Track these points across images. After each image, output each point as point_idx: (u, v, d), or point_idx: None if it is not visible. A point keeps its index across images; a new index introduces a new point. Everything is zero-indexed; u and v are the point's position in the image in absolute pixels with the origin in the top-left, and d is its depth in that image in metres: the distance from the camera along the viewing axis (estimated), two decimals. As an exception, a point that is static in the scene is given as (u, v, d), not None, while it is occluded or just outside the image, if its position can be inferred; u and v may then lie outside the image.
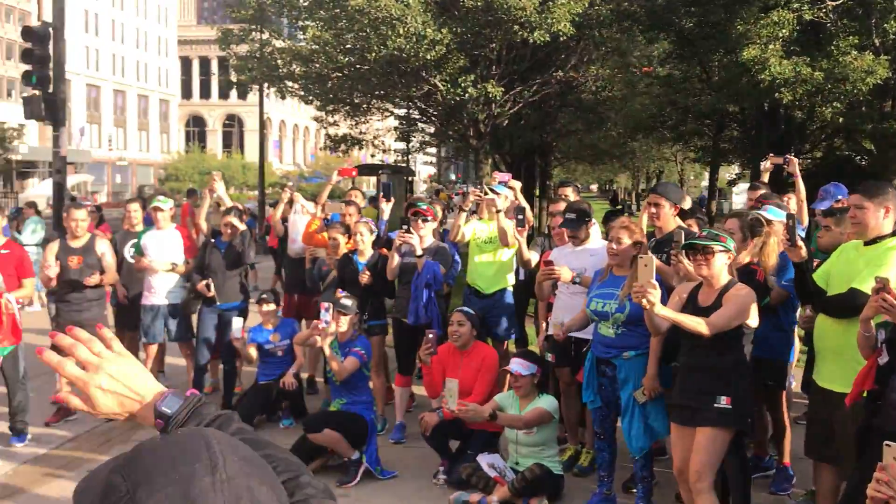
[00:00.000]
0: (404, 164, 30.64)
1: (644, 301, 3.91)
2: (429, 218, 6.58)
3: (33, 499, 5.52)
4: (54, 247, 7.09)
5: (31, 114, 14.06)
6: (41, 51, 13.77)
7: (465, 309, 5.92)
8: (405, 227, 6.23)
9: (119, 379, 1.34)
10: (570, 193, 7.53)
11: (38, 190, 46.59)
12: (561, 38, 16.07)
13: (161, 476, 0.84)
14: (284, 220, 8.79)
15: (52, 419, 7.08)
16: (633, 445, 4.92)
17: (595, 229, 6.02)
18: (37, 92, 14.02)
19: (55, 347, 1.45)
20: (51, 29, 14.01)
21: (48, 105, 13.86)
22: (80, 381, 1.33)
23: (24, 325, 7.05)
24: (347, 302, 6.01)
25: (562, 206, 6.44)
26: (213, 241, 7.36)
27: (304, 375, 7.60)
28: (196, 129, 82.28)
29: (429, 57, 15.48)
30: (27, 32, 14.11)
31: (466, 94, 16.45)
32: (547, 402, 5.35)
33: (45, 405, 7.44)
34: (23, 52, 14.14)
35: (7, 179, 51.05)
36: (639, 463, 4.99)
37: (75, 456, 6.36)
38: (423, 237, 6.43)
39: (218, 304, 7.21)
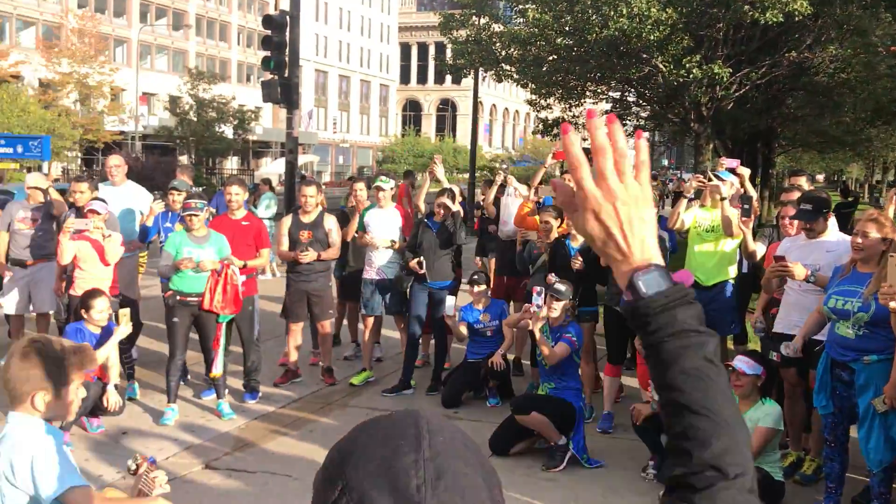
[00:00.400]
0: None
1: (893, 304, 3.53)
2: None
3: (261, 452, 5.97)
4: (287, 221, 7.60)
5: (269, 97, 15.21)
6: (279, 38, 14.81)
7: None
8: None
9: (624, 218, 1.09)
10: (804, 183, 6.98)
11: (271, 168, 50.51)
12: (796, 18, 14.97)
13: (369, 450, 0.88)
14: (496, 202, 8.85)
15: (279, 380, 7.63)
16: (872, 458, 4.49)
17: (832, 222, 5.53)
18: (274, 76, 15.14)
19: None
20: (288, 17, 15.02)
21: (284, 89, 14.91)
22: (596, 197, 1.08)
23: (260, 293, 7.66)
24: (561, 287, 5.95)
25: (795, 195, 5.98)
26: (425, 220, 7.56)
27: (511, 357, 7.65)
28: (412, 113, 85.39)
29: (652, 38, 15.01)
30: (267, 21, 15.24)
31: (690, 76, 15.77)
32: (769, 414, 4.96)
33: (273, 367, 8.04)
34: (263, 39, 15.27)
35: (244, 158, 55.79)
36: (876, 478, 4.54)
37: (299, 416, 6.80)
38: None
39: (428, 281, 7.40)
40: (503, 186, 8.63)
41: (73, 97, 41.36)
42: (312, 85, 69.73)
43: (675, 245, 7.13)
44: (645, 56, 16.52)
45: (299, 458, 5.79)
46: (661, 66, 16.32)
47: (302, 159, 56.68)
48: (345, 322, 8.92)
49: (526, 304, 6.16)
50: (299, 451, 5.94)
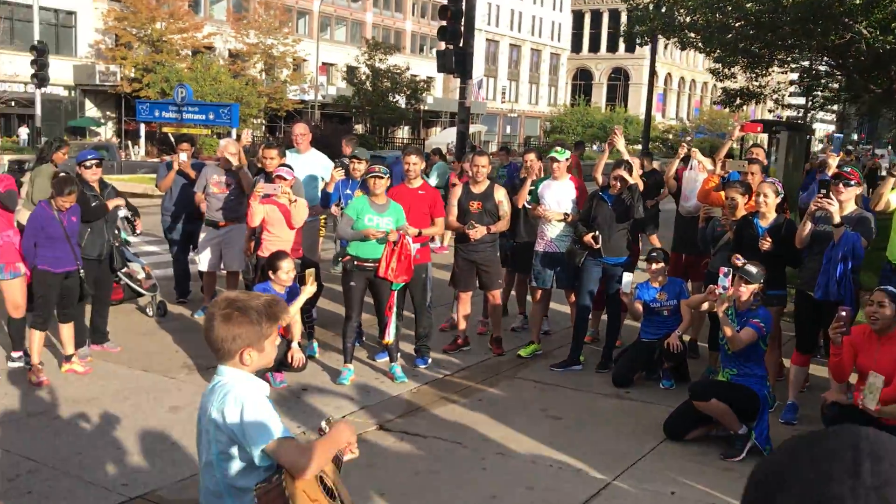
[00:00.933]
0: (802, 122, 28.04)
1: None
2: (852, 182, 5.84)
3: (431, 417, 6.06)
4: (457, 191, 7.63)
5: (443, 67, 15.34)
6: (455, 7, 14.86)
7: (890, 288, 5.17)
8: (823, 191, 5.61)
9: None
10: None
11: (440, 138, 51.21)
12: None
13: (795, 473, 0.77)
14: (677, 177, 8.47)
15: (448, 347, 7.73)
16: None
17: None
18: (449, 46, 15.23)
19: None
20: (464, -14, 15.02)
21: (458, 58, 14.98)
22: None
23: (433, 261, 7.76)
24: (753, 270, 5.61)
25: None
26: (600, 193, 7.35)
27: (687, 338, 7.35)
28: (582, 82, 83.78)
29: (857, 1, 13.79)
30: (445, -10, 15.30)
31: (901, 43, 14.43)
32: None
33: (442, 335, 8.16)
34: (439, 9, 15.36)
35: (415, 127, 56.94)
36: None
37: (467, 385, 6.86)
38: (843, 203, 5.74)
39: (603, 257, 7.21)
40: (686, 160, 8.24)
41: (258, 67, 43.74)
42: (483, 54, 69.87)
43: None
44: (847, 21, 15.21)
45: (469, 426, 5.84)
46: (864, 31, 14.99)
47: (470, 129, 57.28)
48: (513, 293, 8.90)
49: (711, 286, 5.86)
50: (469, 419, 5.99)
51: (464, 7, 14.93)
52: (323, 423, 2.78)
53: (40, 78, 26.12)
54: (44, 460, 4.91)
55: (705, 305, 6.26)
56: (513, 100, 73.60)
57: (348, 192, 7.69)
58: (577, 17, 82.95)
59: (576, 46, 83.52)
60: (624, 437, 5.73)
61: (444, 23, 15.03)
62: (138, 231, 7.11)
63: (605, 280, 7.30)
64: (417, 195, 7.20)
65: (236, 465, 2.48)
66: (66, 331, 6.70)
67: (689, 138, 9.18)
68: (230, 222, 8.09)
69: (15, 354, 6.78)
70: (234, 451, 2.46)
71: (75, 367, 6.66)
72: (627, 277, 6.94)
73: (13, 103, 37.44)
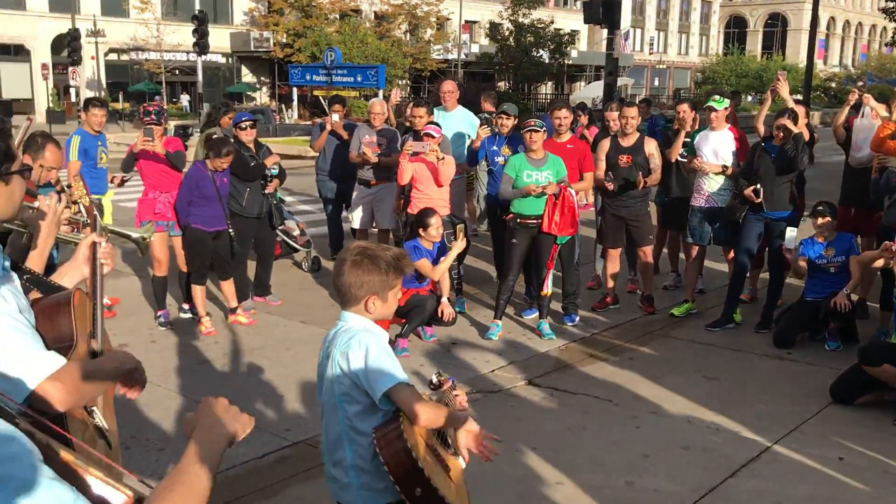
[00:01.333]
0: None
1: None
2: None
3: (580, 375, 6.00)
4: (605, 144, 7.43)
5: (590, 17, 14.93)
6: (603, -44, 14.38)
7: None
8: None
9: None
10: None
11: (584, 92, 50.12)
12: None
13: None
14: (847, 125, 7.87)
15: (597, 305, 7.61)
16: None
17: None
18: (595, -3, 14.79)
19: None
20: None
21: (605, 8, 14.54)
22: None
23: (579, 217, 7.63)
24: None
25: None
26: (762, 144, 6.95)
27: (856, 297, 6.88)
28: (736, 30, 79.36)
29: None
30: (591, -62, 14.82)
31: None
32: None
33: (589, 292, 8.06)
34: (587, -41, 14.91)
35: (559, 83, 55.90)
36: None
37: (616, 343, 6.74)
38: None
39: (765, 211, 6.83)
40: (857, 107, 7.63)
41: (403, 28, 44.22)
42: (630, 4, 67.47)
43: None
44: None
45: (620, 385, 5.75)
46: None
47: (617, 82, 55.64)
48: (665, 250, 8.63)
49: (886, 242, 5.44)
50: (620, 378, 5.89)
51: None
52: (434, 377, 2.81)
53: (201, 46, 27.53)
54: (215, 404, 5.24)
55: (879, 262, 5.83)
56: (661, 51, 70.83)
57: (494, 148, 7.65)
58: (732, -40, 78.45)
59: (729, -9, 79.14)
60: (786, 399, 5.46)
61: (590, -28, 14.62)
62: (268, 191, 7.40)
63: (766, 236, 6.93)
64: (566, 149, 7.07)
65: (357, 408, 2.55)
66: (227, 287, 7.08)
67: (860, 83, 8.48)
68: (381, 181, 8.25)
69: (185, 306, 7.24)
70: (356, 394, 2.53)
71: (240, 318, 7.05)
72: (791, 233, 6.55)
73: (177, 71, 39.75)
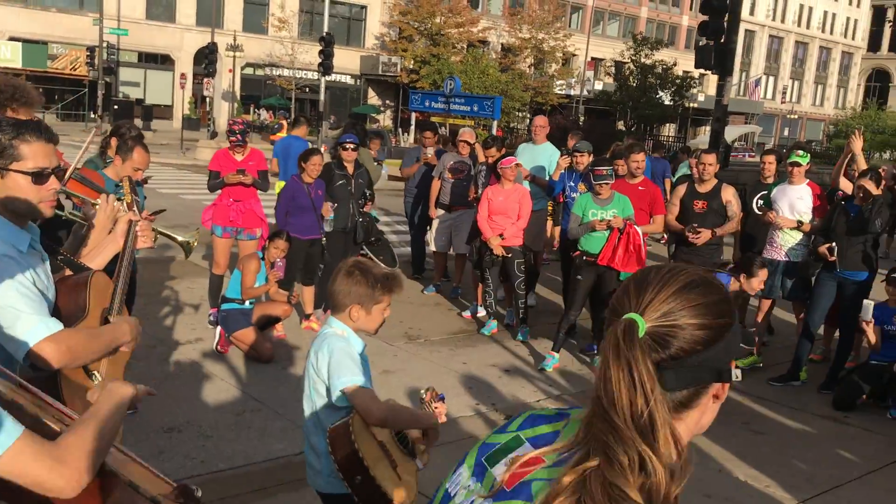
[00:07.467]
0: None
1: None
2: None
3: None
4: (680, 190, 7.45)
5: (701, 62, 14.81)
6: (718, 2, 14.29)
7: None
8: None
9: None
10: None
11: (706, 138, 49.09)
12: None
13: None
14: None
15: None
16: None
17: None
18: (710, 42, 14.69)
19: None
20: (731, -20, 14.38)
21: (718, 54, 14.40)
22: None
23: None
24: None
25: None
26: (843, 203, 6.82)
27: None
28: (877, 84, 75.77)
29: None
30: (708, -16, 14.74)
31: None
32: None
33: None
34: (701, 3, 14.86)
35: (682, 125, 55.01)
36: None
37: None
38: None
39: (838, 270, 6.70)
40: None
41: (528, 61, 44.72)
42: (764, 51, 65.72)
43: None
44: None
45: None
46: None
47: (741, 130, 54.04)
48: (737, 301, 8.52)
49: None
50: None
51: (728, 2, 14.30)
52: (422, 391, 3.07)
53: (325, 66, 28.77)
54: (267, 402, 5.63)
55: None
56: (794, 100, 68.54)
57: (571, 184, 7.81)
58: (878, 12, 75.14)
59: (873, 45, 75.80)
60: (828, 462, 5.36)
61: (706, 18, 14.52)
62: (365, 209, 7.86)
63: (839, 295, 6.79)
64: (637, 190, 7.17)
65: (322, 402, 2.82)
66: (308, 293, 7.52)
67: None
68: (460, 207, 8.54)
69: (212, 313, 7.39)
70: (322, 389, 2.80)
71: (312, 324, 7.46)
72: (868, 304, 6.36)
73: (307, 89, 41.56)
